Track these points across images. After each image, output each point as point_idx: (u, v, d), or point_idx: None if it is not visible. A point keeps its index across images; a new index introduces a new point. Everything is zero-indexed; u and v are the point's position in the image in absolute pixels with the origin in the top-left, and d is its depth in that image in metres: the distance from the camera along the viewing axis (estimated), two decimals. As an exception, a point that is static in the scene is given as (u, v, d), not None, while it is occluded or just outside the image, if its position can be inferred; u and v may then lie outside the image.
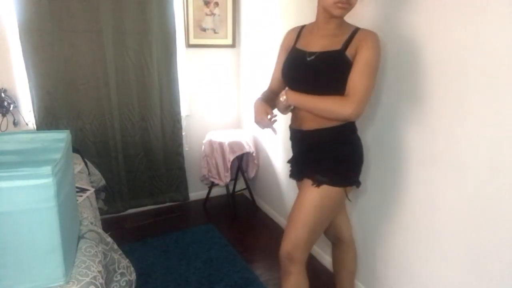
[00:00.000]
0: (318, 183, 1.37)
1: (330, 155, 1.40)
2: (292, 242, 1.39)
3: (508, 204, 1.19)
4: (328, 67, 1.32)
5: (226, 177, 2.77)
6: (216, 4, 2.86)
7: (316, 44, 1.37)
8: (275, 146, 2.71)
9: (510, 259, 1.21)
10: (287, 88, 1.43)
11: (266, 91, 1.59)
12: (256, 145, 2.95)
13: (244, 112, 3.15)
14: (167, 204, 3.04)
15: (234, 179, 3.10)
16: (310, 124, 1.40)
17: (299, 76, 1.39)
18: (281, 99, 1.39)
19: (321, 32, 1.37)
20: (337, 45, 1.32)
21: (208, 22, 2.87)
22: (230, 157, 2.73)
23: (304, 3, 2.13)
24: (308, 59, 1.35)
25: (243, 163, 3.01)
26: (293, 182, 1.70)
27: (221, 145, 2.75)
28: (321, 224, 1.43)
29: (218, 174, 2.79)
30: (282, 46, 1.55)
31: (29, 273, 0.92)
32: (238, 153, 2.77)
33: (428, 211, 1.49)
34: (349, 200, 1.53)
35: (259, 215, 2.98)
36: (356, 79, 1.26)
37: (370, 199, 1.80)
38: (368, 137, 1.73)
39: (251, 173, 3.01)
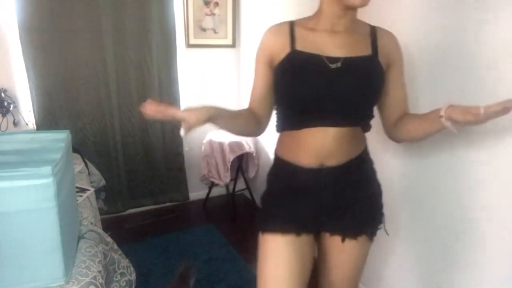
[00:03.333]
0: (373, 236, 1.12)
1: (370, 191, 1.10)
2: None
3: (508, 204, 1.19)
4: (366, 81, 0.99)
5: (226, 177, 2.77)
6: (216, 4, 2.86)
7: (332, 45, 0.99)
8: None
9: (510, 260, 1.21)
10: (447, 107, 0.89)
11: (243, 109, 1.11)
12: (256, 145, 2.95)
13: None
14: (167, 204, 3.04)
15: (234, 179, 3.10)
16: (339, 158, 1.03)
17: (321, 90, 0.97)
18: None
19: (330, 28, 1.01)
20: (364, 48, 1.01)
21: (208, 22, 2.87)
22: (230, 157, 2.72)
23: (304, 2, 2.12)
24: (332, 66, 0.96)
25: (243, 163, 3.01)
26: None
27: (221, 145, 2.75)
28: None
29: (218, 174, 2.79)
30: (262, 53, 1.05)
31: (29, 273, 0.92)
32: (238, 153, 2.76)
33: (428, 211, 1.49)
34: (388, 234, 1.18)
35: (259, 215, 2.98)
36: (406, 96, 1.11)
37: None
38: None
39: (251, 173, 3.01)
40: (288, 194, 1.08)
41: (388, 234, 1.17)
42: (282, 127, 1.09)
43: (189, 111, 0.85)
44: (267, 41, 1.04)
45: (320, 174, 1.03)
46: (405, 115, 1.10)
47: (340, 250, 1.10)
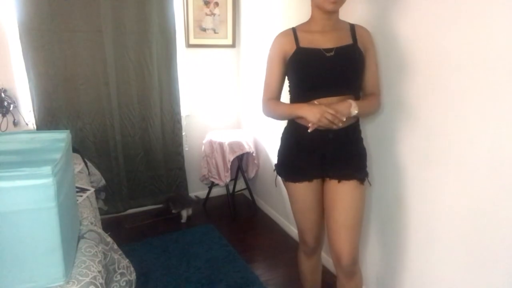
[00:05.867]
0: (362, 181, 1.43)
1: (358, 151, 1.47)
2: (355, 246, 1.42)
3: (508, 204, 1.19)
4: (352, 61, 1.38)
5: (226, 177, 2.77)
6: (216, 4, 2.86)
7: (325, 41, 1.37)
8: (275, 146, 2.70)
9: (509, 260, 1.21)
10: (351, 101, 1.33)
11: (281, 104, 1.47)
12: (256, 145, 2.95)
13: (244, 112, 3.15)
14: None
15: (234, 179, 3.10)
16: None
17: (322, 72, 1.36)
18: (354, 111, 1.32)
19: (321, 29, 1.38)
20: (346, 39, 1.39)
21: (208, 22, 2.87)
22: (230, 157, 2.73)
23: (303, 3, 2.12)
24: (328, 55, 1.34)
25: (243, 163, 3.01)
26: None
27: (221, 145, 2.75)
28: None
29: (218, 174, 2.79)
30: (276, 53, 1.43)
31: (29, 273, 0.92)
32: (238, 153, 2.77)
33: (428, 211, 1.49)
34: (370, 184, 1.58)
35: (259, 215, 2.98)
36: (375, 78, 1.49)
37: (369, 198, 1.80)
38: (368, 137, 1.73)
39: (251, 173, 3.01)
40: (300, 149, 1.46)
41: (370, 184, 1.57)
42: (294, 101, 1.45)
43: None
44: (278, 44, 1.43)
45: (325, 134, 1.37)
46: (370, 95, 1.48)
47: (339, 190, 1.42)
